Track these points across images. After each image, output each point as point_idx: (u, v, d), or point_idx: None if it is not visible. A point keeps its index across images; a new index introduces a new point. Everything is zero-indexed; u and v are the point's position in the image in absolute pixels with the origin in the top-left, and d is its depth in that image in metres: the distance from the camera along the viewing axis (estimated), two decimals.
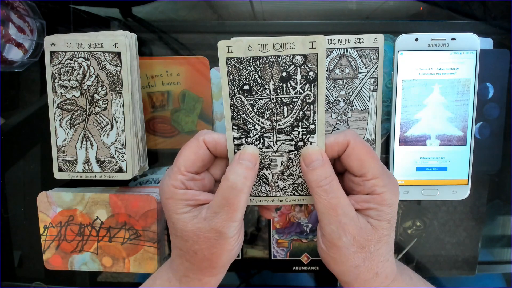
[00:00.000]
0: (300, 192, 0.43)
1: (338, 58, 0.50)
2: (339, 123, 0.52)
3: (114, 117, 0.51)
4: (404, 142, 0.54)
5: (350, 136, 0.40)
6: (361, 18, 0.58)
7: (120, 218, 0.55)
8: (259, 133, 0.41)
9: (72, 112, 0.52)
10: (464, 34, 0.51)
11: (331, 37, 0.49)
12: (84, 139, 0.52)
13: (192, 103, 0.57)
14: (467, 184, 0.54)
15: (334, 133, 0.50)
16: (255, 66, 0.39)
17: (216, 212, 0.39)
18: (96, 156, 0.52)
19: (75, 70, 0.51)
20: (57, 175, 0.53)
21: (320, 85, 0.39)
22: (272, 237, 0.60)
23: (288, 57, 0.38)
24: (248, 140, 0.41)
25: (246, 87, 0.39)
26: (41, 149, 0.61)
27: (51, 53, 0.51)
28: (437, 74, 0.52)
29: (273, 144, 0.41)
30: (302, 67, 0.38)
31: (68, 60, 0.50)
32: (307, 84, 0.39)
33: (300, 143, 0.41)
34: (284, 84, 0.39)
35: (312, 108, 0.40)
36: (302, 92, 0.39)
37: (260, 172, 0.43)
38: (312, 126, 0.40)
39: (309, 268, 0.60)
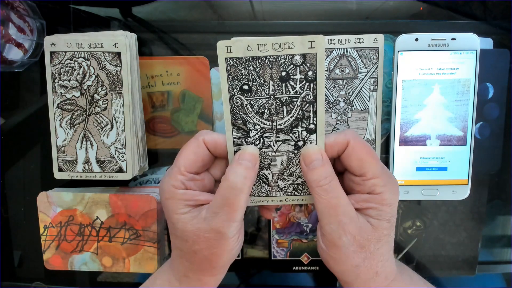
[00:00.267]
0: (300, 192, 0.43)
1: (338, 58, 0.50)
2: (339, 123, 0.52)
3: (114, 117, 0.51)
4: (404, 142, 0.54)
5: (350, 136, 0.40)
6: (361, 18, 0.58)
7: (120, 218, 0.55)
8: (258, 133, 0.41)
9: (72, 112, 0.52)
10: (464, 34, 0.51)
11: (331, 37, 0.49)
12: (84, 139, 0.52)
13: (192, 103, 0.57)
14: (467, 184, 0.54)
15: (334, 133, 0.50)
16: (254, 66, 0.39)
17: (216, 212, 0.39)
18: (96, 156, 0.52)
19: (75, 70, 0.51)
20: (57, 175, 0.53)
21: (320, 84, 0.39)
22: (272, 237, 0.60)
23: (287, 57, 0.38)
24: (248, 140, 0.41)
25: (245, 87, 0.39)
26: (41, 149, 0.61)
27: (51, 53, 0.51)
28: (437, 74, 0.52)
29: (273, 144, 0.41)
30: (302, 66, 0.38)
31: (68, 60, 0.51)
32: (307, 84, 0.39)
33: (300, 143, 0.41)
34: (283, 84, 0.39)
35: (311, 107, 0.40)
36: (302, 91, 0.39)
37: (260, 172, 0.43)
38: (311, 126, 0.40)
39: (309, 268, 0.60)
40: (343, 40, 0.49)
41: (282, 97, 0.40)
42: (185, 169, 0.41)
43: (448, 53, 0.51)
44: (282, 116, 0.40)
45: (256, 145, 0.41)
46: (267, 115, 0.40)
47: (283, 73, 0.39)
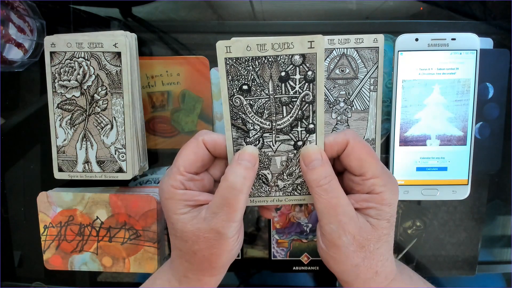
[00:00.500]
0: (299, 192, 0.43)
1: (338, 58, 0.50)
2: (339, 123, 0.52)
3: (114, 117, 0.51)
4: (404, 142, 0.54)
5: (350, 136, 0.40)
6: (361, 18, 0.58)
7: (120, 218, 0.55)
8: (258, 133, 0.41)
9: (72, 112, 0.52)
10: (464, 34, 0.51)
11: (331, 37, 0.49)
12: (84, 139, 0.52)
13: (192, 103, 0.57)
14: (467, 184, 0.54)
15: (333, 132, 0.50)
16: (254, 66, 0.39)
17: (216, 213, 0.39)
18: (96, 156, 0.52)
19: (75, 70, 0.51)
20: (57, 175, 0.53)
21: (319, 84, 0.39)
22: (272, 237, 0.60)
23: (286, 57, 0.38)
24: (248, 140, 0.41)
25: (245, 87, 0.39)
26: (41, 149, 0.61)
27: (51, 53, 0.51)
28: (437, 74, 0.52)
29: (273, 144, 0.41)
30: (301, 66, 0.38)
31: (68, 60, 0.51)
32: (306, 84, 0.39)
33: (300, 143, 0.41)
34: (283, 84, 0.39)
35: (311, 107, 0.40)
36: (301, 91, 0.39)
37: (260, 172, 0.43)
38: (311, 126, 0.40)
39: (309, 268, 0.60)
40: (343, 40, 0.49)
41: (282, 97, 0.40)
42: (185, 169, 0.41)
43: (448, 53, 0.51)
44: (281, 116, 0.40)
45: (255, 145, 0.41)
46: (267, 115, 0.40)
47: (283, 73, 0.39)
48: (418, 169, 0.54)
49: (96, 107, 0.51)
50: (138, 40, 0.53)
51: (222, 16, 0.58)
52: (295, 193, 0.44)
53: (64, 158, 0.53)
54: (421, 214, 0.61)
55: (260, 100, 0.40)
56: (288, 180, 0.43)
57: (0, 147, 0.61)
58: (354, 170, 0.40)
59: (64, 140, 0.52)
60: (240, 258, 0.62)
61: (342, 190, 0.40)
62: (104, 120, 0.51)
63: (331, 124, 0.52)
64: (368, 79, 0.50)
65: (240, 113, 0.40)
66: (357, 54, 0.50)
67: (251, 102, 0.40)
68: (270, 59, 0.38)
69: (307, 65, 0.38)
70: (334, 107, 0.51)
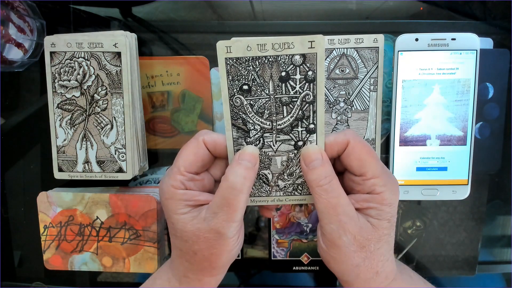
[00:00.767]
0: (300, 192, 0.43)
1: (338, 58, 0.50)
2: (339, 123, 0.52)
3: (114, 117, 0.51)
4: (404, 142, 0.54)
5: (350, 136, 0.40)
6: (361, 18, 0.58)
7: (120, 218, 0.55)
8: (258, 133, 0.41)
9: (72, 112, 0.52)
10: (464, 34, 0.51)
11: (331, 37, 0.49)
12: (84, 139, 0.52)
13: (192, 103, 0.57)
14: (467, 184, 0.54)
15: (333, 132, 0.50)
16: (254, 66, 0.39)
17: (216, 213, 0.39)
18: (96, 156, 0.52)
19: (75, 70, 0.51)
20: (57, 175, 0.53)
21: (319, 84, 0.39)
22: (272, 237, 0.60)
23: (287, 57, 0.38)
24: (248, 140, 0.41)
25: (245, 87, 0.39)
26: (41, 149, 0.61)
27: (51, 53, 0.51)
28: (437, 74, 0.52)
29: (273, 144, 0.41)
30: (301, 66, 0.38)
31: (68, 60, 0.51)
32: (306, 84, 0.39)
33: (300, 143, 0.41)
34: (283, 84, 0.39)
35: (311, 107, 0.40)
36: (302, 91, 0.39)
37: (260, 172, 0.43)
38: (311, 126, 0.40)
39: (309, 268, 0.60)
40: (343, 40, 0.49)
41: (282, 97, 0.40)
42: (185, 169, 0.40)
43: (448, 53, 0.51)
44: (282, 116, 0.40)
45: (256, 145, 0.41)
46: (267, 115, 0.40)
47: (283, 73, 0.39)
48: (418, 169, 0.54)
49: (96, 107, 0.51)
50: (138, 40, 0.53)
51: (222, 16, 0.58)
52: (296, 193, 0.43)
53: (64, 158, 0.53)
54: (421, 214, 0.61)
55: (260, 100, 0.40)
56: (289, 180, 0.43)
57: (0, 147, 0.61)
58: (354, 170, 0.40)
59: (64, 140, 0.52)
60: (240, 258, 0.62)
61: (342, 190, 0.40)
62: (104, 120, 0.51)
63: (331, 124, 0.52)
64: (368, 79, 0.50)
65: (240, 113, 0.40)
66: (357, 54, 0.50)
67: (252, 102, 0.40)
68: (270, 59, 0.38)
69: (308, 65, 0.38)
70: (334, 107, 0.51)
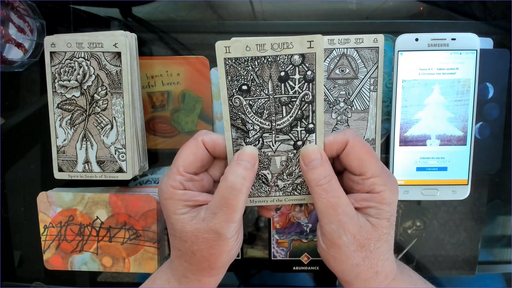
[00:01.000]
0: (299, 192, 0.43)
1: (338, 58, 0.50)
2: (339, 123, 0.52)
3: (114, 117, 0.51)
4: (404, 142, 0.54)
5: (349, 135, 0.40)
6: (361, 18, 0.58)
7: (120, 218, 0.55)
8: (258, 133, 0.41)
9: (72, 112, 0.52)
10: (464, 34, 0.51)
11: (331, 37, 0.49)
12: (84, 139, 0.52)
13: (192, 103, 0.57)
14: (467, 184, 0.54)
15: (333, 132, 0.50)
16: (253, 66, 0.39)
17: (215, 213, 0.39)
18: (96, 156, 0.52)
19: (75, 70, 0.51)
20: (57, 175, 0.53)
21: (319, 84, 0.39)
22: (272, 237, 0.60)
23: (286, 57, 0.38)
24: (247, 140, 0.41)
25: (244, 87, 0.39)
26: (41, 149, 0.61)
27: (51, 53, 0.51)
28: (437, 74, 0.52)
29: (272, 144, 0.41)
30: (300, 66, 0.38)
31: (68, 60, 0.51)
32: (306, 84, 0.39)
33: (299, 143, 0.41)
34: (282, 84, 0.39)
35: (310, 107, 0.40)
36: (301, 91, 0.39)
37: (260, 172, 0.43)
38: (311, 126, 0.40)
39: (309, 268, 0.60)
40: (343, 40, 0.49)
41: (281, 97, 0.40)
42: (184, 170, 0.40)
43: (448, 53, 0.51)
44: (281, 116, 0.40)
45: (255, 145, 0.41)
46: (266, 115, 0.40)
47: (282, 73, 0.39)
48: (418, 169, 0.54)
49: (96, 107, 0.51)
50: (138, 40, 0.53)
51: (222, 16, 0.58)
52: (295, 193, 0.43)
53: (64, 158, 0.53)
54: (421, 214, 0.61)
55: (259, 100, 0.40)
56: (288, 180, 0.43)
57: (0, 147, 0.61)
58: (354, 170, 0.40)
59: (64, 140, 0.52)
60: (240, 258, 0.62)
61: (342, 189, 0.40)
62: (104, 120, 0.51)
63: (331, 124, 0.52)
64: (368, 79, 0.50)
65: (239, 113, 0.40)
66: (357, 54, 0.50)
67: (251, 102, 0.40)
68: (269, 59, 0.38)
69: (307, 65, 0.38)
70: (334, 107, 0.51)
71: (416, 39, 0.51)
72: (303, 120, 0.40)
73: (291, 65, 0.38)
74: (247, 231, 0.62)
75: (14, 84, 0.60)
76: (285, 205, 0.58)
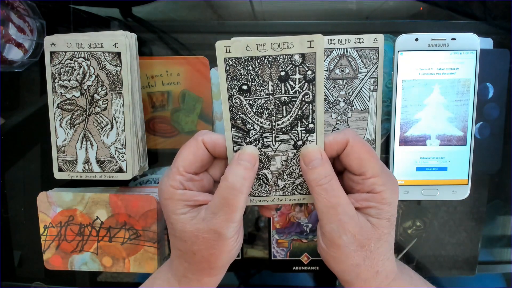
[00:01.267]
0: (300, 191, 0.43)
1: (338, 58, 0.50)
2: (339, 123, 0.52)
3: (114, 117, 0.51)
4: (404, 142, 0.54)
5: (349, 135, 0.40)
6: (361, 18, 0.58)
7: (120, 218, 0.55)
8: (258, 133, 0.41)
9: (72, 112, 0.52)
10: (464, 34, 0.51)
11: (331, 37, 0.49)
12: (84, 139, 0.52)
13: (192, 103, 0.57)
14: (467, 184, 0.54)
15: (333, 132, 0.50)
16: (253, 66, 0.39)
17: (215, 213, 0.39)
18: (96, 156, 0.52)
19: (75, 70, 0.51)
20: (57, 175, 0.53)
21: (319, 84, 0.39)
22: (272, 237, 0.60)
23: (286, 57, 0.38)
24: (247, 140, 0.41)
25: (244, 87, 0.39)
26: (41, 149, 0.61)
27: (51, 53, 0.51)
28: (437, 74, 0.52)
29: (273, 144, 0.41)
30: (301, 66, 0.38)
31: (68, 60, 0.51)
32: (306, 83, 0.39)
33: (300, 142, 0.41)
34: (282, 84, 0.39)
35: (311, 107, 0.40)
36: (301, 91, 0.39)
37: (260, 172, 0.43)
38: (311, 125, 0.40)
39: (309, 268, 0.60)
40: (343, 40, 0.49)
41: (282, 97, 0.40)
42: (184, 170, 0.40)
43: (448, 53, 0.51)
44: (281, 116, 0.40)
45: (255, 145, 0.41)
46: (267, 115, 0.40)
47: (282, 73, 0.39)
48: (418, 169, 0.54)
49: (96, 107, 0.51)
50: (138, 40, 0.53)
51: (222, 16, 0.58)
52: (295, 192, 0.43)
53: (64, 158, 0.53)
54: (421, 214, 0.61)
55: (260, 100, 0.40)
56: (288, 180, 0.43)
57: (0, 147, 0.61)
58: (354, 170, 0.40)
59: (64, 140, 0.52)
60: (240, 258, 0.62)
61: (342, 189, 0.40)
62: (104, 120, 0.51)
63: (331, 124, 0.52)
64: (368, 79, 0.50)
65: (240, 113, 0.40)
66: (357, 54, 0.50)
67: (251, 102, 0.40)
68: (269, 59, 0.38)
69: (307, 64, 0.38)
70: (334, 107, 0.51)
71: (416, 39, 0.51)
72: (303, 120, 0.40)
73: (291, 65, 0.38)
74: (247, 231, 0.62)
75: (14, 84, 0.60)
76: (285, 205, 0.58)
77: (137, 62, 0.53)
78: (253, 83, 0.39)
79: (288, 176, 0.43)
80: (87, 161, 0.52)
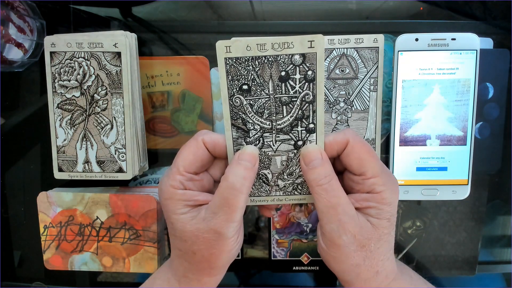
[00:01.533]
0: (300, 191, 0.43)
1: (338, 58, 0.50)
2: (339, 123, 0.52)
3: (114, 117, 0.51)
4: (404, 142, 0.54)
5: (349, 135, 0.40)
6: (361, 18, 0.58)
7: (120, 218, 0.55)
8: (258, 133, 0.41)
9: (72, 112, 0.52)
10: (464, 34, 0.51)
11: (331, 37, 0.49)
12: (84, 139, 0.52)
13: (192, 103, 0.57)
14: (467, 184, 0.54)
15: (333, 132, 0.50)
16: (254, 66, 0.39)
17: (215, 213, 0.39)
18: (96, 156, 0.52)
19: (75, 70, 0.51)
20: (57, 175, 0.53)
21: (319, 84, 0.39)
22: (272, 237, 0.60)
23: (286, 57, 0.38)
24: (248, 140, 0.41)
25: (245, 87, 0.39)
26: (41, 149, 0.61)
27: (51, 53, 0.51)
28: (437, 74, 0.52)
29: (273, 144, 0.41)
30: (301, 66, 0.38)
31: (68, 60, 0.51)
32: (306, 83, 0.39)
33: (300, 142, 0.41)
34: (283, 84, 0.39)
35: (311, 107, 0.40)
36: (301, 91, 0.39)
37: (260, 172, 0.43)
38: (311, 125, 0.40)
39: (309, 268, 0.60)
40: (343, 40, 0.49)
41: (282, 96, 0.40)
42: (184, 170, 0.40)
43: (448, 53, 0.51)
44: (281, 116, 0.40)
45: (255, 145, 0.41)
46: (267, 115, 0.40)
47: (283, 73, 0.39)
48: (418, 169, 0.54)
49: (96, 107, 0.51)
50: (138, 40, 0.53)
51: (222, 16, 0.58)
52: (296, 192, 0.43)
53: (64, 158, 0.53)
54: (421, 214, 0.61)
55: (260, 100, 0.40)
56: (288, 180, 0.43)
57: (0, 147, 0.61)
58: (354, 170, 0.40)
59: (64, 140, 0.52)
60: (240, 258, 0.62)
61: (342, 189, 0.40)
62: (104, 120, 0.51)
63: (331, 124, 0.52)
64: (368, 79, 0.50)
65: (240, 113, 0.40)
66: (357, 54, 0.50)
67: (251, 102, 0.40)
68: (270, 59, 0.38)
69: (307, 64, 0.38)
70: (334, 107, 0.51)
71: (416, 39, 0.51)
72: (303, 120, 0.40)
73: (291, 65, 0.38)
74: (247, 231, 0.62)
75: (14, 84, 0.60)
76: (285, 205, 0.58)
77: (137, 62, 0.53)
78: (253, 83, 0.39)
79: (288, 176, 0.43)
80: (87, 161, 0.52)
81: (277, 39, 0.38)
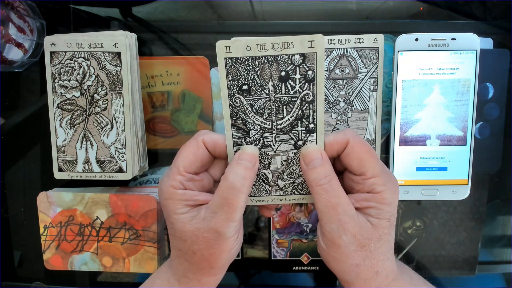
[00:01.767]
0: (300, 191, 0.43)
1: (338, 58, 0.50)
2: (339, 123, 0.52)
3: (114, 117, 0.51)
4: (404, 142, 0.54)
5: (349, 135, 0.40)
6: (361, 18, 0.58)
7: (120, 218, 0.55)
8: (258, 133, 0.41)
9: (72, 112, 0.52)
10: (464, 34, 0.51)
11: (331, 37, 0.49)
12: (84, 139, 0.52)
13: (192, 103, 0.57)
14: (467, 184, 0.54)
15: (333, 132, 0.50)
16: (254, 66, 0.39)
17: (215, 212, 0.39)
18: (96, 156, 0.52)
19: (75, 70, 0.51)
20: (57, 175, 0.53)
21: (319, 84, 0.39)
22: (272, 237, 0.60)
23: (286, 57, 0.38)
24: (248, 140, 0.41)
25: (245, 87, 0.39)
26: (41, 149, 0.61)
27: (51, 53, 0.51)
28: (437, 74, 0.52)
29: (273, 144, 0.41)
30: (301, 66, 0.38)
31: (68, 60, 0.51)
32: (306, 83, 0.39)
33: (300, 142, 0.41)
34: (283, 84, 0.39)
35: (311, 107, 0.40)
36: (301, 91, 0.39)
37: (260, 172, 0.43)
38: (311, 125, 0.40)
39: (309, 268, 0.60)
40: (343, 40, 0.49)
41: (282, 96, 0.40)
42: (184, 170, 0.40)
43: (448, 53, 0.51)
44: (281, 116, 0.40)
45: (255, 145, 0.41)
46: (267, 115, 0.40)
47: (283, 73, 0.39)
48: (418, 169, 0.54)
49: (96, 107, 0.51)
50: (138, 40, 0.53)
51: (222, 16, 0.58)
52: (296, 192, 0.43)
53: (64, 158, 0.53)
54: (421, 214, 0.61)
55: (260, 100, 0.40)
56: (289, 180, 0.43)
57: (0, 147, 0.61)
58: (354, 170, 0.40)
59: (64, 140, 0.52)
60: (240, 258, 0.62)
61: (342, 189, 0.40)
62: (104, 120, 0.51)
63: (331, 124, 0.52)
64: (368, 79, 0.50)
65: (240, 113, 0.40)
66: (357, 54, 0.50)
67: (251, 102, 0.40)
68: (270, 59, 0.38)
69: (307, 64, 0.38)
70: (334, 107, 0.51)
71: (416, 39, 0.51)
72: (303, 119, 0.40)
73: (291, 65, 0.38)
74: (247, 231, 0.62)
75: (14, 84, 0.60)
76: (285, 205, 0.58)
77: (137, 62, 0.53)
78: (253, 83, 0.39)
79: (288, 176, 0.43)
80: (87, 161, 0.52)
81: (277, 39, 0.38)
